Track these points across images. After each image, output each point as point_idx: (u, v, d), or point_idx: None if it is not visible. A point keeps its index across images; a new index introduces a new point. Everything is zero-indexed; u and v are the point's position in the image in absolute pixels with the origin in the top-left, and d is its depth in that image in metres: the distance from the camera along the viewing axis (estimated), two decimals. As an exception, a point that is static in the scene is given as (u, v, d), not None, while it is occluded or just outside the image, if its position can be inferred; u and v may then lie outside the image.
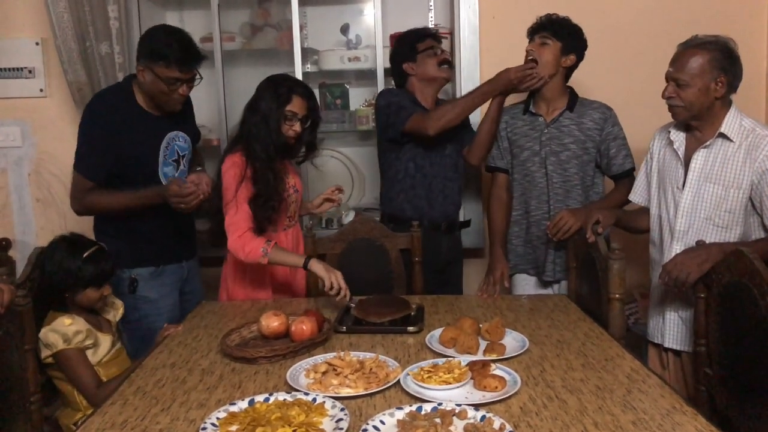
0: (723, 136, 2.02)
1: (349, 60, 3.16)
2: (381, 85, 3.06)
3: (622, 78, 3.05)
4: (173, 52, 2.20)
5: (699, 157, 2.06)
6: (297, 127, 2.24)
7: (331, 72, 3.28)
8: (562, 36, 2.43)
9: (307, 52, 3.22)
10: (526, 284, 2.61)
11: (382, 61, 3.05)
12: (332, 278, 2.08)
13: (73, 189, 2.31)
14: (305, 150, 2.39)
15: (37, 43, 3.08)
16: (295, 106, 2.22)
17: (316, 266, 2.12)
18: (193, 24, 3.37)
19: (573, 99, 2.52)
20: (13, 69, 3.09)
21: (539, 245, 2.53)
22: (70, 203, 2.33)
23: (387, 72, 3.14)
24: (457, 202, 2.73)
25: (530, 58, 2.41)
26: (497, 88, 2.42)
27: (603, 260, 2.04)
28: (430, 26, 2.82)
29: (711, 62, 1.97)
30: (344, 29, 3.27)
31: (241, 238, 2.15)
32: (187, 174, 2.43)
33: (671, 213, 2.12)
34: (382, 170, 2.74)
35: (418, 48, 2.63)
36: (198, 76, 2.30)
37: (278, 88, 2.22)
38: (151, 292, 2.34)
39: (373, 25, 3.10)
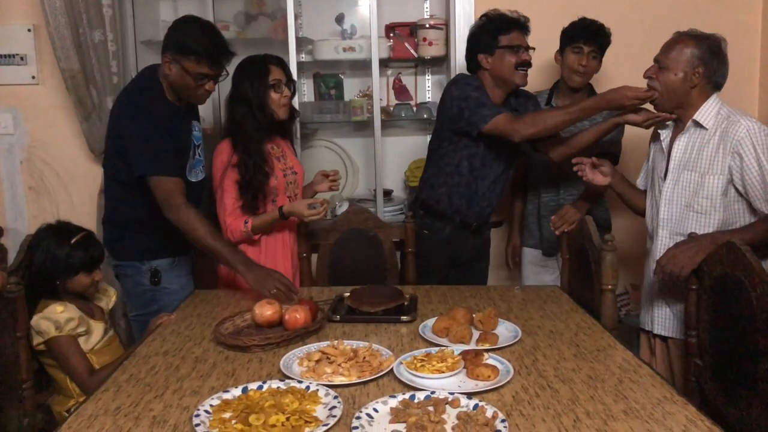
0: (696, 123, 2.08)
1: (344, 50, 3.15)
2: (376, 76, 3.05)
3: (619, 74, 3.04)
4: (205, 47, 2.15)
5: (678, 146, 2.13)
6: (286, 92, 2.36)
7: (326, 62, 3.26)
8: (604, 50, 2.58)
9: (301, 42, 3.20)
10: (535, 255, 2.84)
11: (377, 51, 3.04)
12: (308, 212, 2.25)
13: (164, 194, 2.12)
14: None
15: (29, 30, 3.05)
16: (275, 74, 2.34)
17: (290, 209, 2.30)
18: (187, 12, 3.31)
19: (591, 95, 2.57)
20: (5, 56, 3.06)
21: (548, 225, 2.64)
22: (166, 213, 2.13)
23: (382, 63, 3.14)
24: (495, 204, 2.59)
25: (651, 85, 2.13)
26: (605, 106, 2.23)
27: (596, 252, 2.06)
28: (514, 12, 2.44)
29: (694, 53, 2.05)
30: (339, 19, 3.26)
31: (225, 223, 2.32)
32: (203, 163, 2.42)
33: (657, 202, 2.18)
34: (431, 155, 2.59)
35: (499, 41, 2.38)
36: (225, 73, 2.26)
37: (253, 66, 2.32)
38: (172, 283, 2.31)
39: (368, 15, 3.08)
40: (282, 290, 2.01)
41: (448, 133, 2.46)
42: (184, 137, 2.29)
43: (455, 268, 2.59)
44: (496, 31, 2.38)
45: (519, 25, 2.41)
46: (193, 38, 2.15)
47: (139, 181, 2.16)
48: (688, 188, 2.09)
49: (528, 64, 2.40)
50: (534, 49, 2.44)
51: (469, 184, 2.49)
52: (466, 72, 2.55)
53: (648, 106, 2.20)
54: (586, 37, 2.52)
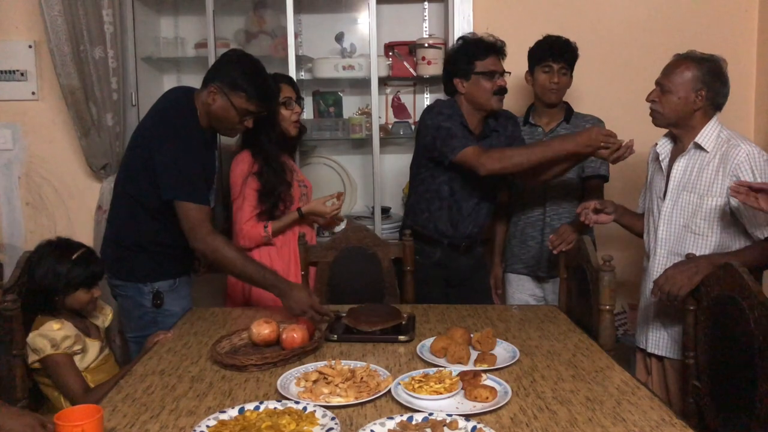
0: (697, 145, 2.09)
1: (344, 68, 3.17)
2: (375, 94, 3.07)
3: (614, 90, 3.08)
4: (257, 87, 2.18)
5: (678, 167, 2.14)
6: (297, 108, 2.52)
7: (325, 80, 3.28)
8: (573, 65, 2.57)
9: (301, 60, 3.23)
10: (520, 283, 2.71)
11: (376, 69, 3.06)
12: (328, 207, 2.49)
13: (192, 222, 2.09)
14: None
15: (30, 46, 3.06)
16: (286, 92, 2.49)
17: (309, 209, 2.50)
18: (188, 30, 3.38)
19: (569, 112, 2.64)
20: (6, 71, 3.07)
21: (534, 245, 2.64)
22: (192, 242, 2.11)
23: (381, 81, 3.16)
24: (482, 223, 2.58)
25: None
26: (573, 147, 2.24)
27: (594, 272, 2.05)
28: (491, 37, 2.43)
29: (697, 76, 2.06)
30: (339, 37, 3.28)
31: (242, 230, 2.42)
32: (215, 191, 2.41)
33: (656, 221, 2.19)
34: (412, 180, 2.61)
35: (475, 66, 2.38)
36: (266, 113, 2.30)
37: None
38: (173, 305, 2.29)
39: (368, 34, 3.11)
40: (316, 318, 2.01)
41: (425, 160, 2.48)
42: (211, 165, 2.30)
43: (453, 288, 2.58)
44: (472, 57, 2.38)
45: (495, 50, 2.40)
46: (247, 76, 2.17)
47: (160, 204, 2.14)
48: (687, 209, 2.11)
49: (504, 90, 2.41)
50: (510, 73, 2.45)
51: (450, 207, 2.48)
52: (442, 97, 2.55)
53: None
54: (554, 55, 2.53)
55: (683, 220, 2.12)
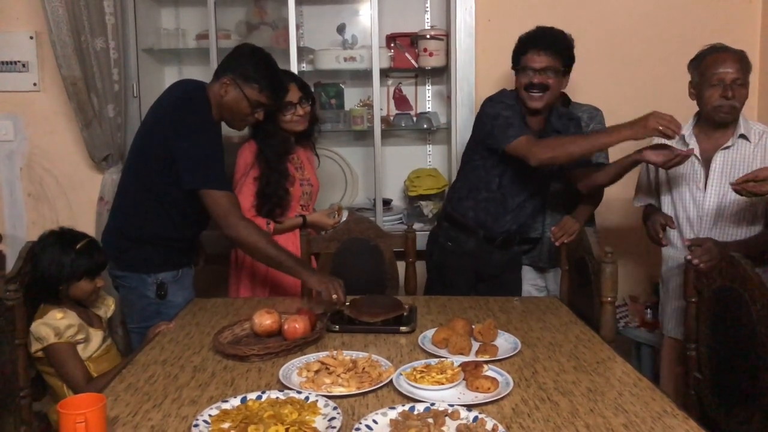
0: (743, 137, 2.14)
1: (345, 60, 3.16)
2: (376, 86, 3.06)
3: (615, 83, 3.06)
4: (270, 80, 2.22)
5: (719, 158, 2.18)
6: (300, 111, 2.46)
7: (327, 71, 3.27)
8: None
9: (302, 51, 3.21)
10: (522, 273, 2.70)
11: (377, 61, 3.05)
12: (331, 220, 2.56)
13: (222, 210, 2.10)
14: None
15: (31, 37, 3.06)
16: (289, 94, 2.40)
17: (313, 220, 2.55)
18: (189, 21, 3.37)
19: (566, 102, 2.63)
20: (7, 63, 3.07)
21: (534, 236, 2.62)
22: (225, 229, 2.12)
23: (383, 72, 3.15)
24: (523, 222, 2.50)
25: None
26: (631, 134, 2.07)
27: (595, 263, 2.06)
28: (540, 30, 2.33)
29: (748, 66, 2.14)
30: (340, 29, 3.27)
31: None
32: None
33: (691, 212, 2.21)
34: (463, 166, 2.54)
35: (520, 61, 2.32)
36: (275, 106, 2.34)
37: None
38: (177, 296, 2.30)
39: (370, 25, 3.10)
40: (340, 294, 2.04)
41: (481, 147, 2.41)
42: (225, 155, 2.30)
43: (483, 282, 2.53)
44: (519, 52, 2.34)
45: (533, 44, 2.30)
46: (260, 68, 2.20)
47: (175, 194, 2.15)
48: (734, 199, 2.12)
49: (536, 87, 2.28)
50: (559, 70, 2.29)
51: (496, 200, 2.42)
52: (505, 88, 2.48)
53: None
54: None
55: (729, 210, 2.15)
